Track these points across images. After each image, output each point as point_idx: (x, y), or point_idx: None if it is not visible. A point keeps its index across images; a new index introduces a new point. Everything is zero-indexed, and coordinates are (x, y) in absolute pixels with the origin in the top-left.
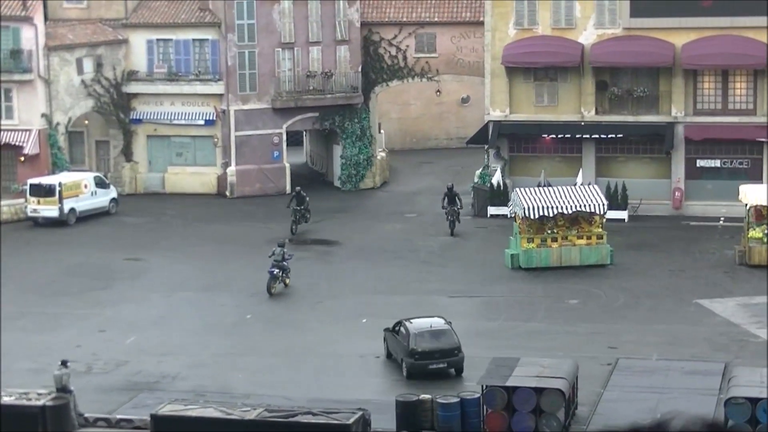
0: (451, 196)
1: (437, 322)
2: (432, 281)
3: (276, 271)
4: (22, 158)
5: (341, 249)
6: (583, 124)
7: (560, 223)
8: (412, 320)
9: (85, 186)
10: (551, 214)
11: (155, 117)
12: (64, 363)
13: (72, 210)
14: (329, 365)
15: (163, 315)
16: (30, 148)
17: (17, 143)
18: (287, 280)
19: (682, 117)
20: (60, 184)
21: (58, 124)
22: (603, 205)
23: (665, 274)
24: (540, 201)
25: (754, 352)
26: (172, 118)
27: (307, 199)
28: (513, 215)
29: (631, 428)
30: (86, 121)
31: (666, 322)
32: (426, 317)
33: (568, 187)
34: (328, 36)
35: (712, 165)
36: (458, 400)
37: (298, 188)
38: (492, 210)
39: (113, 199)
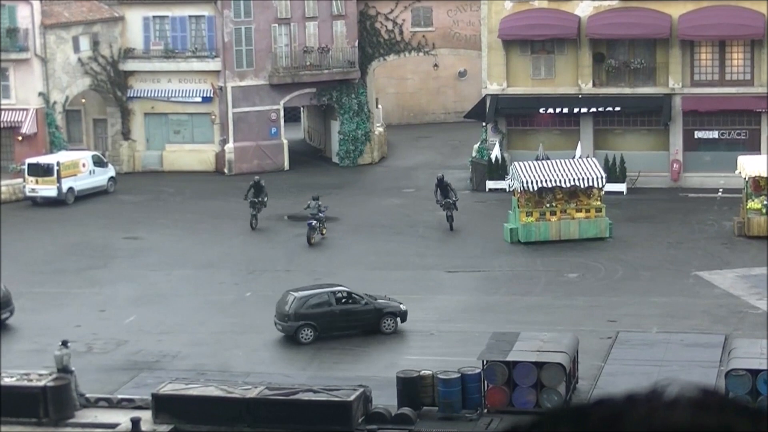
0: (443, 186)
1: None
2: (430, 256)
3: (314, 222)
4: (20, 137)
5: (339, 225)
6: (580, 96)
7: (559, 197)
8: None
9: (83, 165)
10: (550, 187)
11: (152, 94)
12: (64, 343)
13: (70, 189)
14: (329, 342)
15: (163, 293)
16: (27, 127)
17: (15, 122)
18: (324, 230)
19: (680, 88)
20: (58, 164)
21: (55, 102)
22: (601, 177)
23: (664, 247)
24: (538, 174)
25: (753, 324)
26: (169, 95)
27: (265, 188)
28: (511, 189)
29: (626, 396)
30: (83, 100)
31: (665, 294)
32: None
33: (567, 161)
34: (324, 11)
35: (710, 136)
36: (459, 375)
37: (256, 178)
38: (490, 184)
39: (111, 178)
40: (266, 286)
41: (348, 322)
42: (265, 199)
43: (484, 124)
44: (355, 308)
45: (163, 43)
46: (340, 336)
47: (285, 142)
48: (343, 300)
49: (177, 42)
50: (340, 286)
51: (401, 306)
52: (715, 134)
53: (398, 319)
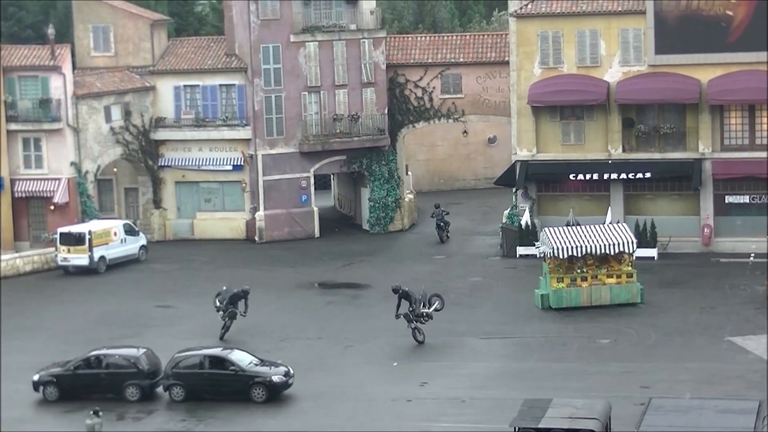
0: (406, 297)
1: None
2: (463, 323)
3: (442, 224)
4: (52, 207)
5: (371, 292)
6: (610, 162)
7: (590, 262)
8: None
9: (115, 234)
10: (580, 254)
11: (183, 163)
12: (96, 412)
13: (102, 258)
14: (361, 409)
15: None
16: (59, 196)
17: (47, 192)
18: (448, 233)
19: (710, 153)
20: (90, 233)
21: (87, 172)
22: (632, 243)
23: (696, 312)
24: (569, 240)
25: None
26: (200, 163)
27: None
28: (542, 255)
29: None
30: (115, 169)
31: (698, 359)
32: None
33: (597, 226)
34: (354, 78)
35: (741, 201)
36: None
37: (245, 288)
38: (521, 250)
39: (143, 246)
40: (298, 353)
41: (215, 387)
42: (244, 311)
43: (514, 189)
44: (222, 374)
45: (194, 112)
46: (372, 401)
47: (315, 209)
48: (214, 365)
49: (208, 111)
50: (237, 350)
51: (273, 377)
52: (746, 199)
53: (267, 389)
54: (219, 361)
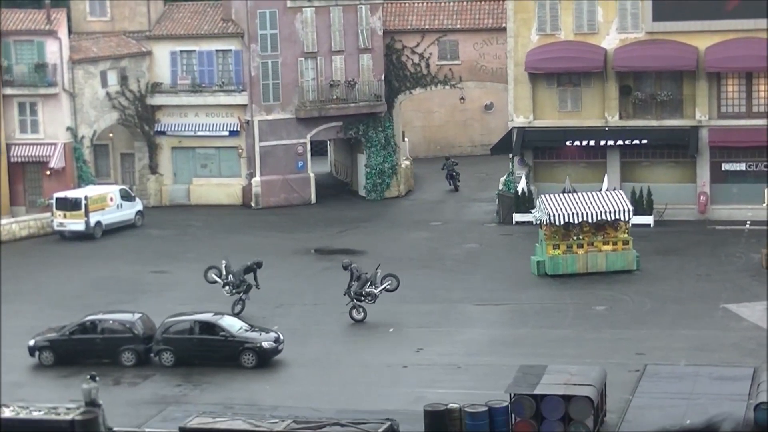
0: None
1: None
2: (458, 289)
3: (454, 173)
4: (48, 172)
5: (367, 258)
6: (607, 129)
7: (586, 230)
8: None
9: (111, 199)
10: (577, 221)
11: (179, 129)
12: (92, 377)
13: (98, 223)
14: (357, 375)
15: None
16: (55, 161)
17: (43, 157)
18: (459, 182)
19: (707, 121)
20: (86, 198)
21: (83, 137)
22: (628, 210)
23: (692, 279)
24: (565, 208)
25: None
26: (197, 129)
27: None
28: (538, 222)
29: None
30: (111, 134)
31: (693, 327)
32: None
33: (594, 193)
34: (350, 45)
35: (738, 168)
36: (486, 408)
37: (258, 260)
38: (517, 217)
39: (139, 212)
40: (294, 320)
41: (205, 352)
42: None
43: (510, 156)
44: (212, 339)
45: (190, 78)
46: (367, 367)
47: (312, 175)
48: (205, 330)
49: (204, 76)
50: (227, 316)
51: (263, 343)
52: (742, 166)
53: (257, 354)
54: (209, 327)
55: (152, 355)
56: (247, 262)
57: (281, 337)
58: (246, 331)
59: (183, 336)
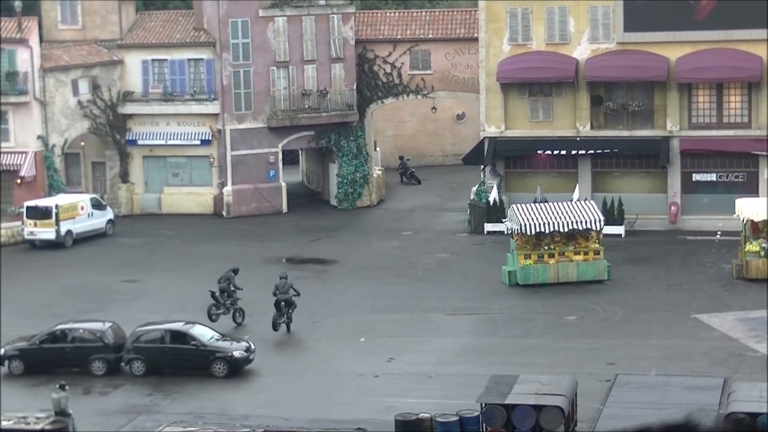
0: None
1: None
2: (429, 299)
3: (410, 171)
4: (19, 181)
5: (338, 267)
6: (578, 139)
7: (557, 239)
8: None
9: (82, 208)
10: (548, 231)
11: (151, 137)
12: (62, 386)
13: (69, 232)
14: (328, 384)
15: None
16: (26, 170)
17: (13, 165)
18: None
19: (678, 131)
20: (56, 206)
21: (54, 145)
22: (599, 220)
23: (663, 289)
24: (537, 217)
25: (753, 367)
26: (168, 138)
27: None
28: (510, 231)
29: (663, 427)
30: (82, 143)
31: (664, 336)
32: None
33: (565, 203)
34: (322, 54)
35: (708, 179)
36: (457, 418)
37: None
38: (489, 227)
39: (110, 221)
40: (265, 328)
41: (176, 361)
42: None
43: (482, 166)
44: (183, 348)
45: (162, 86)
46: (338, 376)
47: (283, 184)
48: (176, 339)
49: (176, 85)
50: (198, 325)
51: (234, 353)
52: (713, 177)
53: (228, 364)
54: (180, 336)
55: (123, 364)
56: (226, 273)
57: (252, 347)
58: (217, 340)
59: (154, 345)
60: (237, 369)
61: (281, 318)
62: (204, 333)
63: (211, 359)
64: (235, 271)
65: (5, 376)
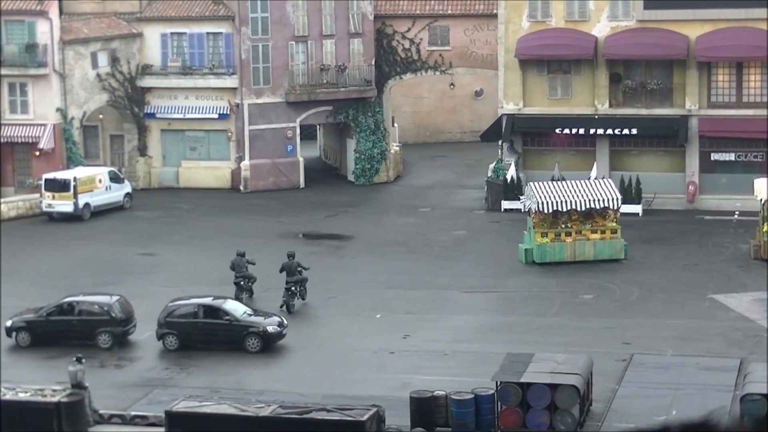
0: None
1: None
2: (445, 276)
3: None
4: (37, 153)
5: (354, 243)
6: (596, 117)
7: (574, 218)
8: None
9: (100, 181)
10: (565, 209)
11: (169, 111)
12: (78, 359)
13: (86, 205)
14: (343, 360)
15: None
16: (45, 142)
17: (32, 138)
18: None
19: (696, 110)
20: (75, 179)
21: (72, 118)
22: (617, 199)
23: (679, 269)
24: (554, 195)
25: None
26: (186, 112)
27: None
28: (527, 209)
29: (660, 428)
30: (101, 116)
31: (680, 317)
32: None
33: (582, 181)
34: (341, 29)
35: (727, 158)
36: (472, 396)
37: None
38: (506, 204)
39: (127, 194)
40: (279, 303)
41: (209, 336)
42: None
43: (499, 143)
44: (216, 323)
45: (180, 60)
46: (353, 352)
47: (301, 159)
48: (209, 314)
49: (194, 59)
50: (230, 300)
51: (268, 328)
52: (731, 156)
53: (262, 339)
54: (213, 311)
55: (157, 339)
56: (236, 260)
57: (285, 322)
58: (249, 315)
59: (187, 320)
60: (270, 344)
61: (293, 299)
62: (236, 308)
63: (244, 334)
64: (242, 255)
65: (13, 348)
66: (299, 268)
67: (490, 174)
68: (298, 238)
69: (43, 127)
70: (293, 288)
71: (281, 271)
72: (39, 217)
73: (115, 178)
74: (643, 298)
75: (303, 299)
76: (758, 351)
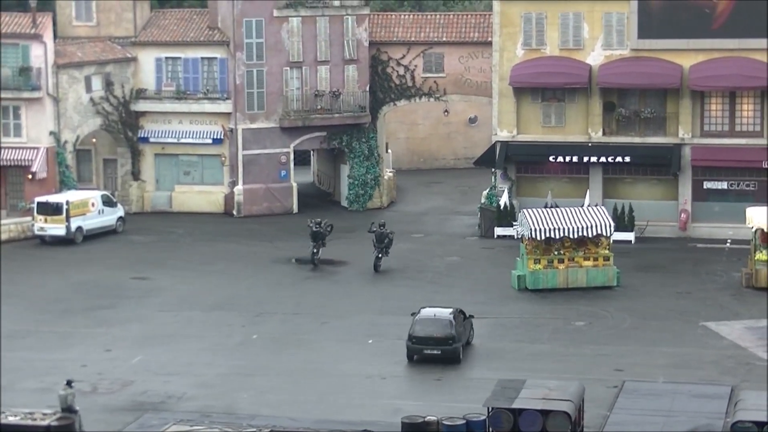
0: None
1: (442, 312)
2: (439, 302)
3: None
4: (30, 176)
5: (348, 269)
6: (590, 145)
7: (567, 245)
8: (426, 308)
9: (93, 204)
10: (558, 236)
11: (163, 135)
12: (69, 383)
13: (79, 228)
14: (335, 385)
15: (170, 334)
16: (38, 166)
17: (25, 161)
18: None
19: (689, 139)
20: (67, 203)
21: (66, 142)
22: (610, 226)
23: (672, 296)
24: (547, 222)
25: (760, 376)
26: (180, 136)
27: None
28: (520, 236)
29: None
30: (94, 140)
31: (673, 344)
32: (440, 307)
33: (575, 209)
34: (336, 55)
35: (719, 187)
36: (464, 422)
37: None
38: (499, 231)
39: (120, 218)
40: (273, 328)
41: None
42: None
43: (493, 170)
44: None
45: (175, 85)
46: (346, 377)
47: (294, 185)
48: None
49: (189, 83)
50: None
51: None
52: (724, 185)
53: None
54: None
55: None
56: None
57: None
58: None
59: None
60: None
61: (380, 261)
62: None
63: None
64: (318, 223)
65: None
66: (389, 235)
67: (483, 200)
68: (291, 263)
69: (36, 151)
70: (381, 253)
71: (370, 231)
72: (31, 240)
73: (108, 202)
74: (636, 325)
75: (387, 255)
76: (750, 378)
